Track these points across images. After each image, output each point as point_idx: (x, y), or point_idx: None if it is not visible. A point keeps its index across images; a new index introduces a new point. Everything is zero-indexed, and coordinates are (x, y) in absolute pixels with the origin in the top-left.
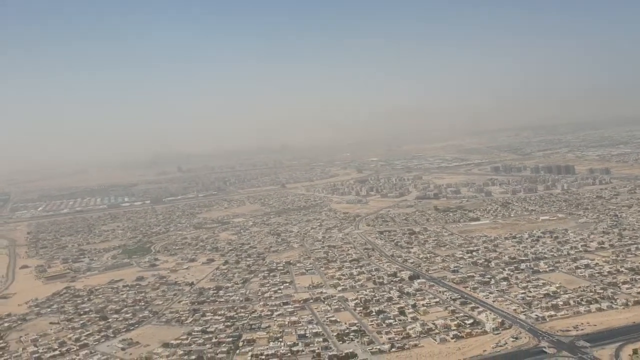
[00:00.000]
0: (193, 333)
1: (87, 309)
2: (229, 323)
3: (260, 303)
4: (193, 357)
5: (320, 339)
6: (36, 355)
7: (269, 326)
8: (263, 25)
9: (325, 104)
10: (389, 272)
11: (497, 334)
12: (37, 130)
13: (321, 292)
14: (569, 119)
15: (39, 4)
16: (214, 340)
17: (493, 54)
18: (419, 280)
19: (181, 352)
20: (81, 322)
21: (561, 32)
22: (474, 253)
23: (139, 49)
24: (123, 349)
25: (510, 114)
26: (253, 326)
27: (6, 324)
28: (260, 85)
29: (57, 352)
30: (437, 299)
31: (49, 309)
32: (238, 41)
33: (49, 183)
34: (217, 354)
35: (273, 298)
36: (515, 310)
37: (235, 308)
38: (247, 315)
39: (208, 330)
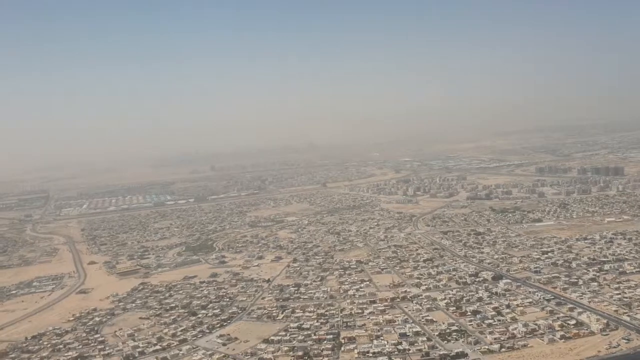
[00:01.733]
0: (289, 329)
1: (172, 305)
2: (323, 320)
3: (347, 301)
4: (299, 353)
5: (424, 338)
6: (139, 349)
7: (364, 324)
8: (278, 21)
9: (344, 104)
10: (469, 272)
11: (606, 335)
12: (52, 128)
13: (405, 291)
14: (596, 120)
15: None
16: (313, 337)
17: (501, 54)
18: (504, 281)
19: (286, 348)
20: (172, 317)
21: (574, 31)
22: (550, 254)
23: (149, 46)
24: (224, 344)
25: (530, 115)
26: (348, 324)
27: (97, 319)
28: (276, 84)
29: (158, 347)
30: (530, 300)
31: (133, 304)
32: (251, 38)
33: (82, 181)
34: (322, 351)
35: (357, 296)
36: (616, 311)
37: (322, 305)
38: (337, 312)
39: (303, 327)
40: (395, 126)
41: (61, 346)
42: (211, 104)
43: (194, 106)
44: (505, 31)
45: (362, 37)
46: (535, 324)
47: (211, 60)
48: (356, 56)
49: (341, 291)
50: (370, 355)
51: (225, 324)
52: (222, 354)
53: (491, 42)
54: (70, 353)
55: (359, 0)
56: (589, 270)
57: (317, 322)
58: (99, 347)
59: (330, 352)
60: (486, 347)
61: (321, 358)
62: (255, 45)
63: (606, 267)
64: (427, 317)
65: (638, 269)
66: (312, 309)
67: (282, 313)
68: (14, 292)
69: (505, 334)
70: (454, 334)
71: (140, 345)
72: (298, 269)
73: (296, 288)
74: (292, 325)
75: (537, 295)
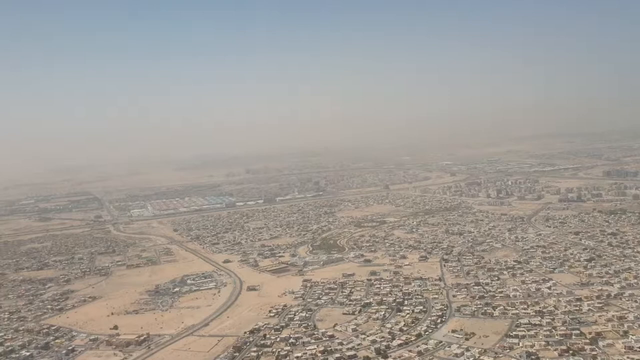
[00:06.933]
0: (522, 325)
1: (366, 301)
2: (548, 317)
3: (553, 299)
4: (563, 347)
5: None
6: (384, 343)
7: (596, 320)
8: (277, 21)
9: (358, 107)
10: None
11: None
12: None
13: (601, 289)
14: (607, 126)
15: None
16: (556, 332)
17: (501, 58)
18: None
19: (543, 343)
20: (379, 313)
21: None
22: None
23: (149, 46)
24: (466, 339)
25: (536, 121)
26: (580, 320)
27: (302, 314)
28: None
29: (399, 341)
30: None
31: (320, 300)
32: (254, 38)
33: (116, 183)
34: (582, 346)
35: (555, 294)
36: None
37: (528, 303)
38: (553, 309)
39: (533, 322)
40: (405, 131)
41: (292, 340)
42: (213, 106)
43: (195, 109)
44: (508, 35)
45: (367, 40)
46: None
47: (213, 62)
48: (362, 59)
49: (533, 289)
50: (638, 349)
51: (443, 320)
52: (480, 349)
53: (492, 46)
54: (312, 347)
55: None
56: None
57: (541, 318)
58: (337, 341)
59: (591, 346)
60: None
61: (585, 352)
62: (257, 45)
63: None
64: None
65: None
66: (523, 307)
67: (495, 310)
68: (176, 290)
69: None
70: None
71: (378, 339)
72: (458, 268)
73: (479, 287)
74: (521, 321)
75: None
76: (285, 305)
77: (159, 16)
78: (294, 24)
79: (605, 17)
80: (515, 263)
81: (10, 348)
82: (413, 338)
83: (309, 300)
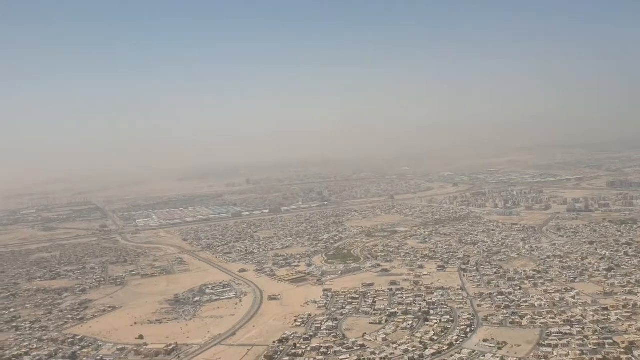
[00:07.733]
0: (553, 334)
1: (391, 310)
2: (577, 326)
3: (579, 308)
4: (599, 356)
5: None
6: (417, 352)
7: (626, 330)
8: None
9: (356, 117)
10: None
11: None
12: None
13: (626, 299)
14: (606, 137)
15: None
16: (588, 341)
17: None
18: None
19: (578, 352)
20: (406, 322)
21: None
22: None
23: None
24: (499, 348)
25: (534, 132)
26: (610, 329)
27: (329, 323)
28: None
29: (432, 350)
30: None
31: (344, 310)
32: (251, 49)
33: (117, 193)
34: (617, 354)
35: (580, 303)
36: None
37: (556, 312)
38: (581, 318)
39: (563, 332)
40: (403, 141)
41: (324, 349)
42: (210, 117)
43: (193, 120)
44: (506, 44)
45: (365, 49)
46: None
47: (211, 72)
48: (360, 69)
49: (557, 299)
50: None
51: (472, 329)
52: (514, 357)
53: (492, 57)
54: (344, 356)
55: (362, 9)
56: None
57: (571, 328)
58: (369, 350)
59: (627, 355)
60: None
61: None
62: (255, 56)
63: None
64: None
65: None
66: (551, 316)
67: (523, 319)
68: (197, 299)
69: None
70: None
71: (410, 349)
72: (478, 278)
73: (503, 296)
74: (551, 330)
75: None
76: (309, 315)
77: (159, 24)
78: (293, 33)
79: (605, 26)
80: (534, 272)
81: (37, 358)
82: (445, 347)
83: (332, 309)
